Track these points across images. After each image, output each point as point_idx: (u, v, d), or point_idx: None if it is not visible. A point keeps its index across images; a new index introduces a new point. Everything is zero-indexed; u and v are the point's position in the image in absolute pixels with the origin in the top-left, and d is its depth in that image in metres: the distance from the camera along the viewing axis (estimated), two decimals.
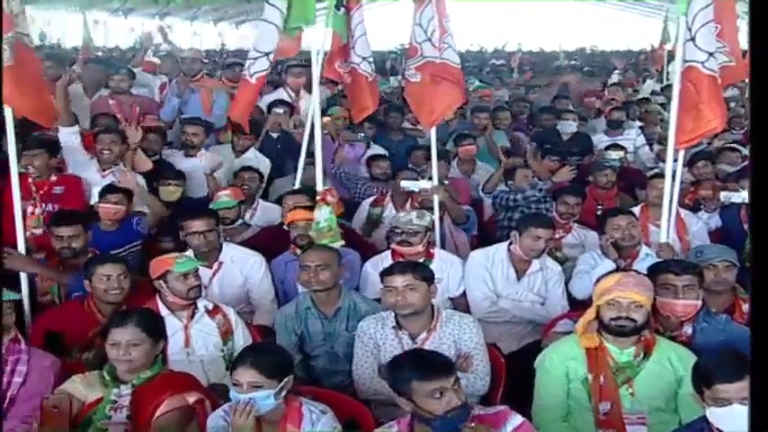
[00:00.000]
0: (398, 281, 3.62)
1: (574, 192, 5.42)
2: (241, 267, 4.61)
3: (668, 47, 12.53)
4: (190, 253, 4.36)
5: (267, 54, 4.96)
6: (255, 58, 4.96)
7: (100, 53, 15.57)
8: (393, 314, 3.72)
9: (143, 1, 23.18)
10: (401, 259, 4.48)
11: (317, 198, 4.80)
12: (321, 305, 4.00)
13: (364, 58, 5.22)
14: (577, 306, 4.30)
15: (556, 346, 3.52)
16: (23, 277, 4.28)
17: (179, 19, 28.06)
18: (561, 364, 3.38)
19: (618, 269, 4.05)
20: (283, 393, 2.95)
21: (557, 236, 4.92)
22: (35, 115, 4.46)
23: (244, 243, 5.03)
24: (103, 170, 5.46)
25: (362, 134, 6.79)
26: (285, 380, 2.96)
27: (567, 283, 4.59)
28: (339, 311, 3.99)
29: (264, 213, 5.60)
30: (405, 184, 5.40)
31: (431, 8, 4.87)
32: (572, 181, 6.21)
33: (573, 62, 20.27)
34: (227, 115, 5.37)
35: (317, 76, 5.18)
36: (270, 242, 5.00)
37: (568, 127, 7.53)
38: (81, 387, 3.11)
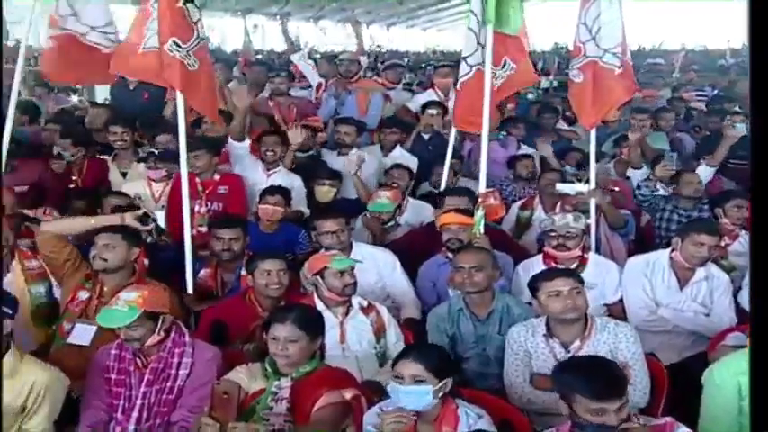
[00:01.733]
0: (564, 285, 3.53)
1: (744, 196, 5.05)
2: (373, 265, 4.62)
3: None
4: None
5: (466, 58, 4.99)
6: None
7: (258, 56, 16.18)
8: (544, 321, 3.64)
9: (300, 5, 23.90)
10: (553, 264, 4.38)
11: (479, 200, 4.76)
12: (474, 307, 3.97)
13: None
14: (746, 318, 4.04)
15: (726, 360, 3.30)
16: (188, 273, 4.47)
17: (333, 22, 28.79)
18: (732, 380, 3.16)
19: None
20: (441, 393, 2.95)
21: (722, 243, 4.66)
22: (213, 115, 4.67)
23: (394, 243, 5.09)
24: (268, 170, 5.67)
25: (503, 134, 6.70)
26: (447, 380, 2.97)
27: (735, 294, 4.34)
28: (492, 314, 3.94)
29: (414, 212, 5.60)
30: (560, 187, 5.26)
31: (596, 6, 4.74)
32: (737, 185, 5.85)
33: (740, 60, 19.07)
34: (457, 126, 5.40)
35: (488, 81, 4.94)
36: (419, 243, 5.00)
37: (736, 129, 7.09)
38: (245, 377, 3.20)
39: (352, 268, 3.96)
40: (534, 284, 3.66)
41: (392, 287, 4.65)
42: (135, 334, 3.33)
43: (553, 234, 4.49)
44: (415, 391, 2.92)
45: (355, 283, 3.94)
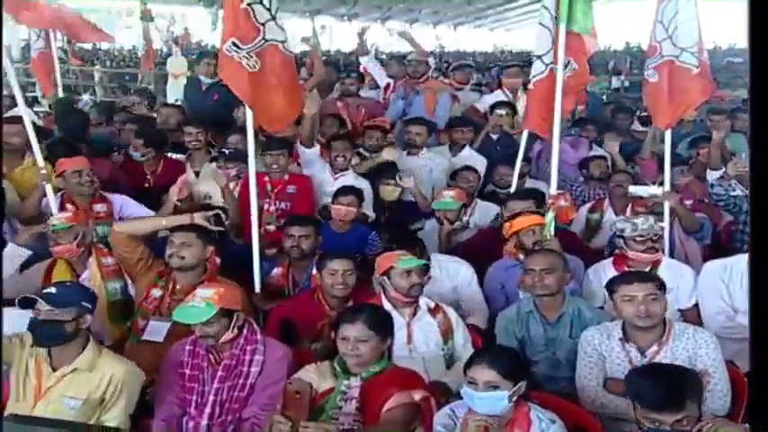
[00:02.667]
0: (639, 290, 3.46)
1: None
2: (448, 277, 4.58)
3: None
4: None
5: (541, 57, 4.93)
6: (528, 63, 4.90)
7: (325, 57, 16.34)
8: (620, 325, 3.56)
9: (368, 6, 24.05)
10: (625, 268, 4.29)
11: (549, 201, 4.70)
12: (544, 310, 3.92)
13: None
14: None
15: None
16: (256, 271, 4.53)
17: (399, 22, 28.89)
18: None
19: None
20: (515, 397, 2.93)
21: None
22: (269, 123, 4.68)
23: (461, 246, 5.05)
24: (335, 173, 5.72)
25: (574, 131, 6.59)
26: (520, 383, 2.95)
27: None
28: (562, 317, 3.88)
29: (483, 213, 5.57)
30: (633, 189, 5.15)
31: (674, 4, 4.61)
32: None
33: None
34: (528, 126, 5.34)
35: (560, 80, 4.85)
36: (486, 244, 4.96)
37: None
38: (314, 376, 3.22)
39: (420, 268, 3.94)
40: (611, 287, 3.60)
41: (464, 298, 4.60)
42: (210, 330, 3.38)
43: (640, 238, 4.37)
44: (489, 397, 2.91)
45: (421, 284, 3.92)
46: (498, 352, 3.13)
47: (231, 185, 5.46)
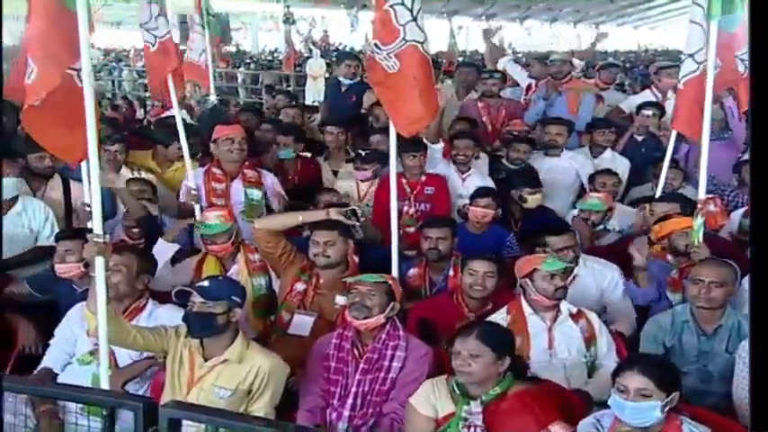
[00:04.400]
0: None
1: None
2: (595, 281, 4.45)
3: None
4: None
5: (692, 55, 4.72)
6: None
7: (461, 58, 16.31)
8: None
9: (506, 6, 23.83)
10: None
11: (698, 206, 4.49)
12: (702, 321, 3.76)
13: None
14: None
15: None
16: (395, 272, 4.51)
17: (539, 21, 28.44)
18: None
19: None
20: (667, 408, 2.81)
21: None
22: (405, 126, 4.61)
23: (603, 249, 4.90)
24: (462, 173, 5.69)
25: (728, 134, 6.24)
26: (673, 394, 2.82)
27: None
28: (720, 329, 3.71)
29: (620, 218, 5.37)
30: None
31: None
32: None
33: None
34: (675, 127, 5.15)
35: (710, 79, 4.52)
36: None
37: None
38: (433, 398, 3.17)
39: (564, 270, 3.86)
40: None
41: (611, 303, 4.47)
42: (369, 303, 3.50)
43: None
44: (641, 407, 2.79)
45: (565, 288, 3.83)
46: (651, 358, 3.00)
47: (367, 186, 5.55)
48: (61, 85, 3.32)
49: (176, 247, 4.67)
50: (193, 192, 4.99)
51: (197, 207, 4.93)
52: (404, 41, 4.32)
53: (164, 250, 4.59)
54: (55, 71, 3.33)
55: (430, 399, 3.18)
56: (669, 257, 4.32)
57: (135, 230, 4.75)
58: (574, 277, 4.07)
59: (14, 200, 4.77)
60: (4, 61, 4.80)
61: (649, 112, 6.40)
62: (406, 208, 5.31)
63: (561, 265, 3.85)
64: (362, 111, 6.91)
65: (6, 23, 4.18)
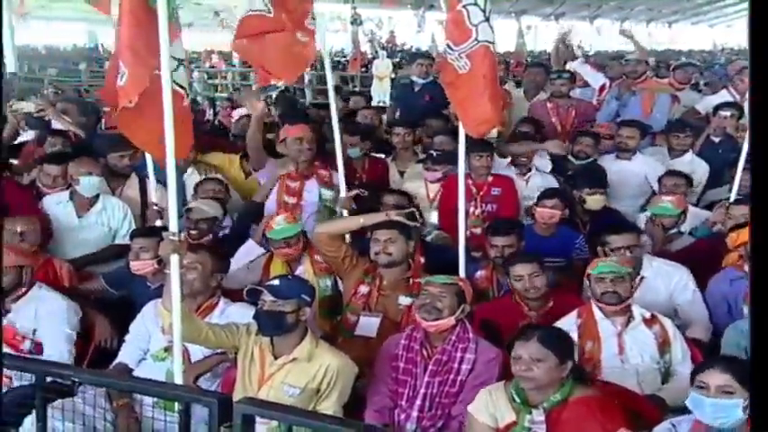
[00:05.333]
0: None
1: None
2: (664, 282, 4.35)
3: None
4: None
5: None
6: None
7: (528, 58, 16.16)
8: None
9: (576, 5, 23.49)
10: None
11: None
12: None
13: None
14: None
15: None
16: (462, 274, 4.52)
17: (609, 20, 27.95)
18: None
19: None
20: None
21: None
22: (474, 127, 4.61)
23: (675, 254, 4.79)
24: (523, 174, 5.64)
25: None
26: None
27: None
28: None
29: (692, 221, 5.24)
30: None
31: None
32: None
33: None
34: None
35: None
36: (704, 254, 4.68)
37: None
38: (490, 406, 3.13)
39: (620, 275, 3.75)
40: None
41: (682, 305, 4.35)
42: (439, 305, 3.50)
43: None
44: (723, 404, 2.70)
45: (617, 293, 3.72)
46: (732, 359, 2.89)
47: (436, 187, 5.53)
48: (151, 87, 3.42)
49: (262, 250, 4.69)
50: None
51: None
52: (476, 42, 4.31)
53: (251, 251, 4.66)
54: (144, 73, 3.43)
55: (488, 407, 3.13)
56: (746, 267, 4.17)
57: (194, 231, 4.82)
58: (641, 279, 3.96)
59: (96, 198, 4.91)
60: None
61: (727, 113, 6.24)
62: (472, 209, 5.28)
63: (607, 268, 3.77)
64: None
65: (105, 29, 4.29)
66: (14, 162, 5.94)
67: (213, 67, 19.95)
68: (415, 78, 7.25)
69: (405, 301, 3.98)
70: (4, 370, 3.15)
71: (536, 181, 5.57)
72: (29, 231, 4.40)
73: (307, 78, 17.43)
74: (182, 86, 3.79)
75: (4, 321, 3.96)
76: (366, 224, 4.39)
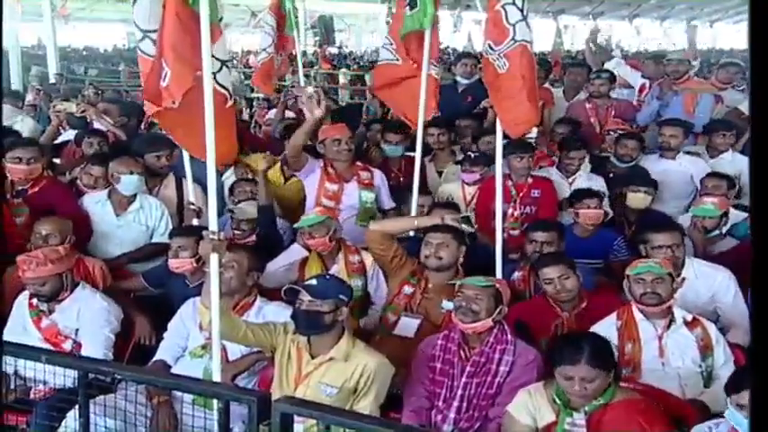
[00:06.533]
0: None
1: None
2: (706, 284, 4.27)
3: None
4: None
5: None
6: None
7: (569, 59, 16.02)
8: None
9: (615, 4, 23.24)
10: None
11: None
12: None
13: None
14: None
15: None
16: (498, 275, 4.45)
17: (649, 19, 27.60)
18: None
19: None
20: None
21: None
22: (513, 127, 4.57)
23: (721, 255, 4.71)
24: (567, 176, 5.59)
25: None
26: None
27: None
28: None
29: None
30: None
31: None
32: None
33: None
34: None
35: None
36: (747, 257, 4.55)
37: None
38: (530, 407, 3.13)
39: (659, 276, 3.70)
40: None
41: (723, 308, 4.27)
42: (475, 307, 3.50)
43: None
44: None
45: (656, 293, 3.66)
46: None
47: (474, 189, 5.50)
48: (194, 88, 3.44)
49: (306, 253, 4.68)
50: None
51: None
52: (513, 41, 4.31)
53: (296, 253, 4.69)
54: (187, 74, 3.46)
55: (528, 407, 3.14)
56: None
57: (238, 232, 4.87)
58: (683, 280, 3.92)
59: (133, 197, 4.97)
60: None
61: None
62: (510, 210, 5.23)
63: (646, 269, 3.71)
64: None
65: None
66: (56, 161, 6.03)
67: (250, 67, 20.08)
68: (458, 78, 7.20)
69: (448, 305, 3.96)
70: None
71: (581, 182, 5.48)
72: (54, 233, 4.41)
73: (342, 80, 17.50)
74: (224, 87, 3.82)
75: (47, 321, 4.04)
76: (420, 226, 4.39)
